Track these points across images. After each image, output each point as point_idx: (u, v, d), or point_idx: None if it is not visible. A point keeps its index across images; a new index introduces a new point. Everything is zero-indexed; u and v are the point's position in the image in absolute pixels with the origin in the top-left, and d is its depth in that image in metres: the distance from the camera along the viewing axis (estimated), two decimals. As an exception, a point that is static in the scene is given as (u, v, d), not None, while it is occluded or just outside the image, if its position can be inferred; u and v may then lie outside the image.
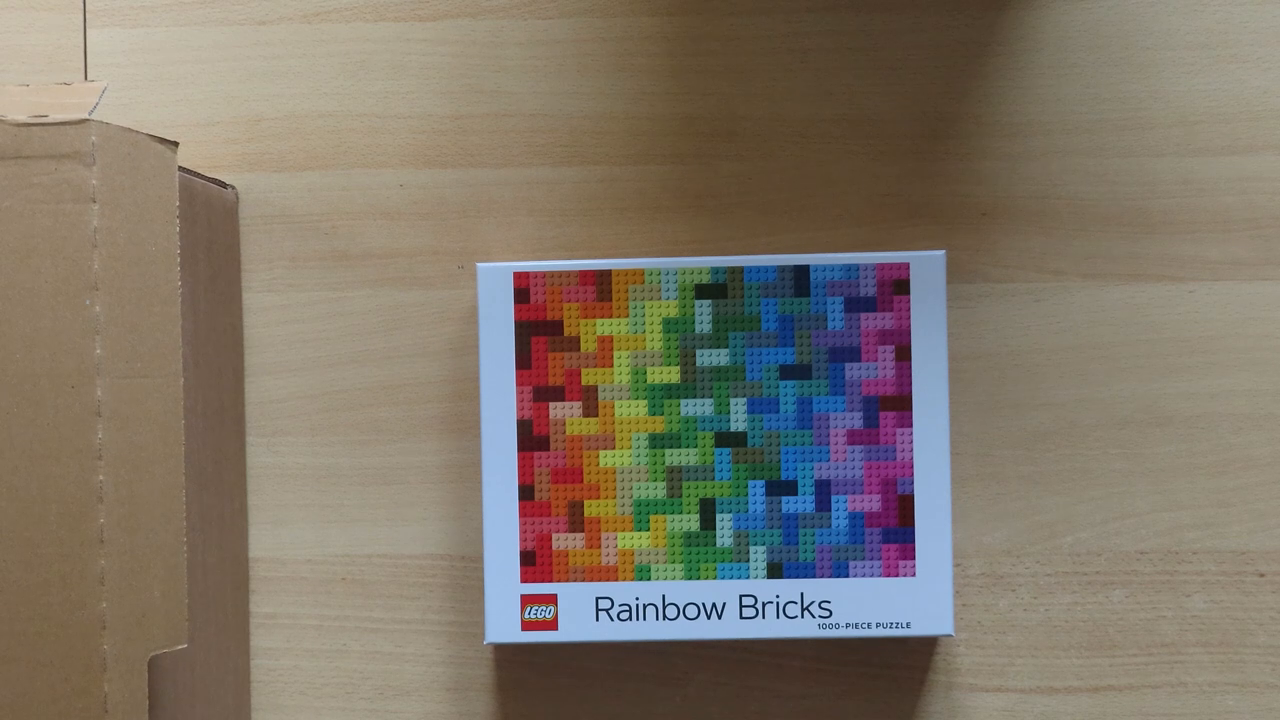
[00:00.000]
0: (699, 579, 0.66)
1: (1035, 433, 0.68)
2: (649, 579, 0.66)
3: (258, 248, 0.69)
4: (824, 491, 0.66)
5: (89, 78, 0.69)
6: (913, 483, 0.66)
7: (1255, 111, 0.68)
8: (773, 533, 0.66)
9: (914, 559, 0.66)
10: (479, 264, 0.66)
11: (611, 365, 0.66)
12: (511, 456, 0.66)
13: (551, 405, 0.66)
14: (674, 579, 0.66)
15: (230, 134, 0.69)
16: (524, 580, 0.66)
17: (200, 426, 0.64)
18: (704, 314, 0.66)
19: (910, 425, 0.66)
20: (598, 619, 0.66)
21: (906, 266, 0.66)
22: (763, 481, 0.66)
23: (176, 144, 0.56)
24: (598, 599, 0.66)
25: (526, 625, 0.66)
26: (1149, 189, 0.68)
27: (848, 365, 0.66)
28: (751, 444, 0.66)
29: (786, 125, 0.69)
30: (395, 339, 0.69)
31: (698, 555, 0.66)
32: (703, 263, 0.66)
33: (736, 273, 0.66)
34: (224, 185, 0.68)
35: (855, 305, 0.66)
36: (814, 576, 0.66)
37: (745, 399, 0.66)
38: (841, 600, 0.66)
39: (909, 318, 0.66)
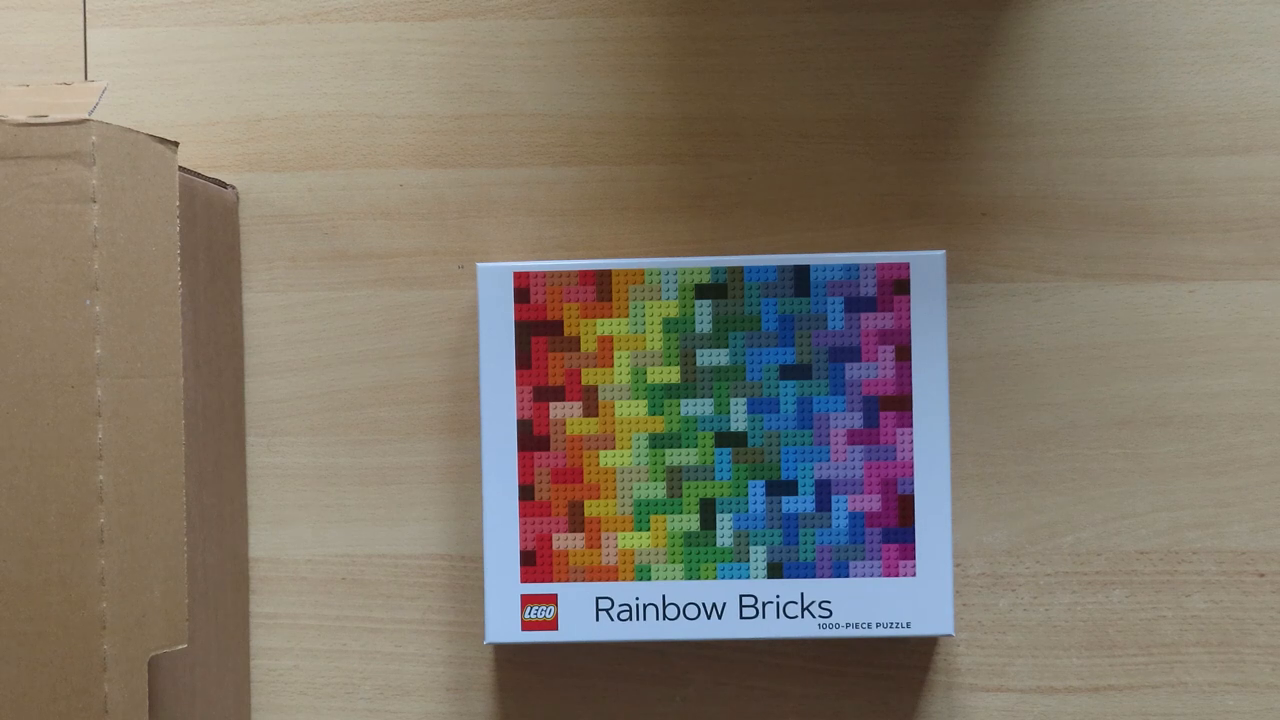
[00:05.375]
0: (699, 579, 0.66)
1: (1035, 433, 0.68)
2: (649, 579, 0.66)
3: (258, 248, 0.69)
4: (824, 491, 0.66)
5: (89, 78, 0.69)
6: (913, 483, 0.66)
7: (1255, 111, 0.68)
8: (773, 533, 0.66)
9: (914, 559, 0.66)
10: (479, 264, 0.66)
11: (611, 365, 0.66)
12: (511, 456, 0.66)
13: (551, 405, 0.66)
14: (674, 579, 0.66)
15: (230, 134, 0.69)
16: (524, 580, 0.66)
17: (200, 426, 0.64)
18: (704, 314, 0.66)
19: (910, 425, 0.66)
20: (598, 619, 0.66)
21: (906, 266, 0.66)
22: (763, 481, 0.66)
23: (176, 144, 0.56)
24: (598, 599, 0.66)
25: (526, 625, 0.66)
26: (1149, 189, 0.68)
27: (848, 365, 0.66)
28: (751, 444, 0.66)
29: (786, 125, 0.69)
30: (395, 339, 0.69)
31: (698, 555, 0.66)
32: (703, 263, 0.66)
33: (736, 273, 0.66)
34: (224, 185, 0.68)
35: (855, 305, 0.66)
36: (814, 576, 0.66)
37: (745, 399, 0.66)
38: (841, 600, 0.66)
39: (909, 318, 0.66)
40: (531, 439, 0.66)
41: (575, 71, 0.69)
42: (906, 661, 0.69)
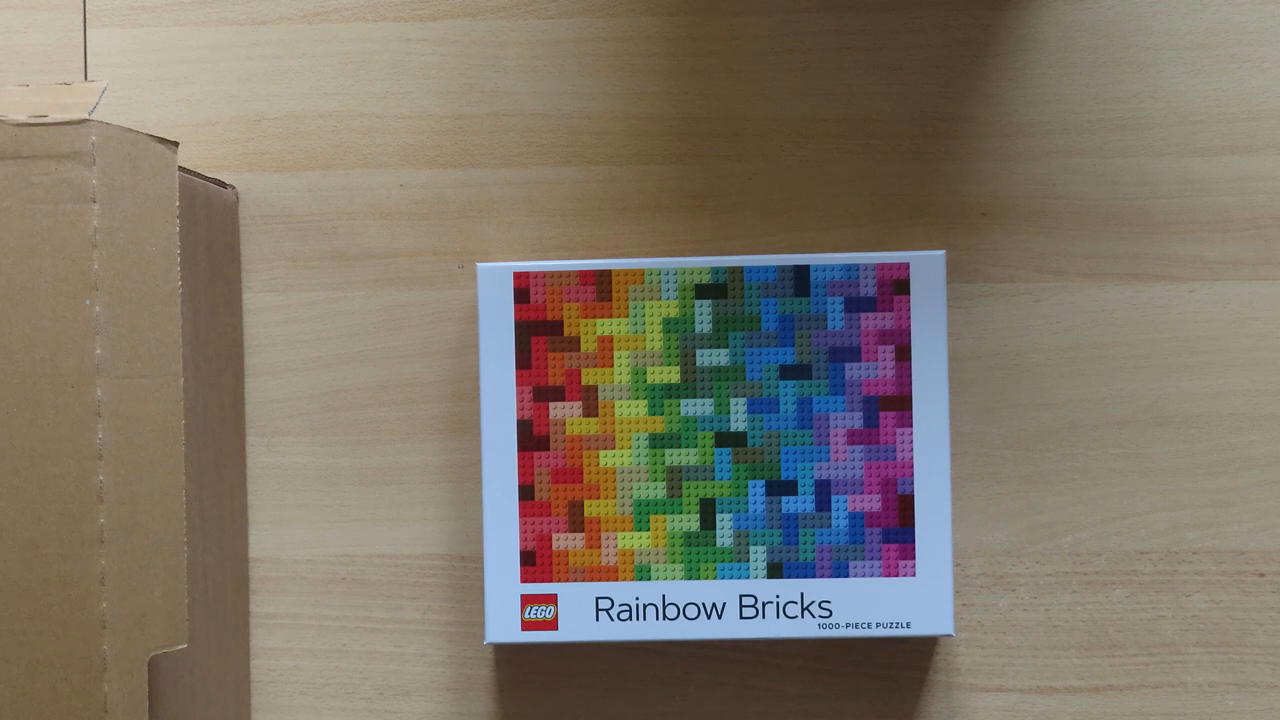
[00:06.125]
0: (699, 579, 0.66)
1: (1035, 433, 0.68)
2: (649, 579, 0.66)
3: (258, 248, 0.69)
4: (824, 491, 0.66)
5: (89, 78, 0.69)
6: (913, 483, 0.66)
7: (1255, 111, 0.68)
8: (773, 533, 0.66)
9: (914, 559, 0.66)
10: (479, 264, 0.66)
11: (611, 365, 0.66)
12: (511, 456, 0.66)
13: (551, 405, 0.66)
14: (674, 579, 0.66)
15: (230, 134, 0.69)
16: (524, 580, 0.66)
17: (200, 426, 0.64)
18: (704, 314, 0.66)
19: (910, 425, 0.66)
20: (598, 619, 0.66)
21: (906, 266, 0.66)
22: (763, 481, 0.66)
23: (176, 144, 0.56)
24: (598, 599, 0.66)
25: (526, 625, 0.66)
26: (1149, 189, 0.68)
27: (848, 365, 0.66)
28: (751, 444, 0.66)
29: (786, 125, 0.69)
30: (395, 339, 0.69)
31: (698, 555, 0.66)
32: (703, 263, 0.66)
33: (736, 273, 0.66)
34: (224, 185, 0.68)
35: (855, 305, 0.66)
36: (814, 576, 0.66)
37: (745, 399, 0.66)
38: (841, 600, 0.66)
39: (909, 318, 0.66)
40: (531, 439, 0.66)
41: (575, 71, 0.69)
42: (906, 661, 0.69)
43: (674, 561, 0.66)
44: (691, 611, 0.66)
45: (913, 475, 0.66)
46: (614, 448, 0.66)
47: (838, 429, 0.66)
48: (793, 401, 0.66)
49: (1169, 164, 0.68)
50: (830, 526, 0.66)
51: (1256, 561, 0.68)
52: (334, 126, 0.69)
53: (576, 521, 0.66)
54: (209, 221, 0.66)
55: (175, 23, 0.69)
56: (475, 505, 0.69)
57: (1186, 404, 0.68)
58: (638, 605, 0.66)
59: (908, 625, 0.65)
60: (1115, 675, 0.69)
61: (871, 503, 0.66)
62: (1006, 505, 0.69)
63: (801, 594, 0.66)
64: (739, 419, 0.66)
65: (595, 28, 0.69)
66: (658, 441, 0.66)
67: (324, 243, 0.69)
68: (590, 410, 0.66)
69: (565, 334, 0.66)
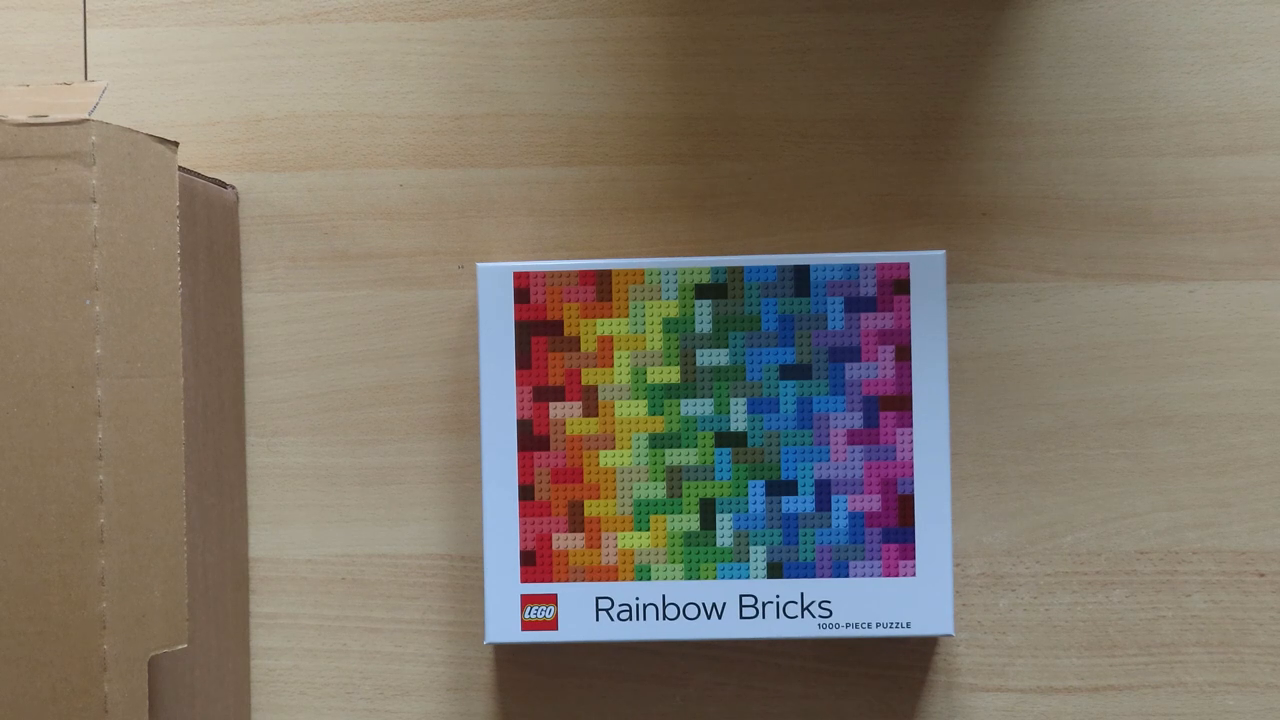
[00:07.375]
0: (699, 579, 0.66)
1: (1035, 433, 0.68)
2: (649, 579, 0.66)
3: (258, 248, 0.69)
4: (824, 491, 0.66)
5: (89, 78, 0.69)
6: (913, 483, 0.66)
7: (1255, 111, 0.68)
8: (773, 533, 0.66)
9: (914, 559, 0.66)
10: (479, 264, 0.66)
11: (611, 365, 0.66)
12: (511, 456, 0.66)
13: (551, 405, 0.66)
14: (674, 579, 0.66)
15: (230, 134, 0.69)
16: (524, 580, 0.66)
17: (200, 426, 0.64)
18: (704, 314, 0.66)
19: (910, 425, 0.66)
20: (598, 619, 0.66)
21: (906, 266, 0.66)
22: (763, 481, 0.66)
23: (176, 144, 0.56)
24: (598, 599, 0.66)
25: (526, 625, 0.66)
26: (1149, 189, 0.68)
27: (848, 365, 0.66)
28: (751, 444, 0.66)
29: (786, 125, 0.69)
30: (395, 339, 0.69)
31: (698, 555, 0.66)
32: (703, 263, 0.66)
33: (736, 273, 0.66)
34: (224, 185, 0.68)
35: (855, 305, 0.66)
36: (814, 576, 0.66)
37: (745, 399, 0.66)
38: (841, 600, 0.66)
39: (909, 318, 0.66)
40: (531, 439, 0.66)
41: (575, 71, 0.69)
42: (906, 661, 0.69)
43: (674, 561, 0.66)
44: (691, 611, 0.66)
45: (913, 475, 0.66)
46: (614, 448, 0.66)
47: (838, 429, 0.66)
48: (793, 401, 0.66)
49: (1169, 164, 0.68)
50: (830, 526, 0.66)
51: (1256, 561, 0.68)
52: (334, 126, 0.69)
53: (576, 521, 0.66)
54: (209, 221, 0.66)
55: (175, 23, 0.69)
56: (475, 505, 0.69)
57: (1186, 404, 0.68)
58: (638, 605, 0.66)
59: (908, 625, 0.65)
60: (1115, 675, 0.69)
61: (871, 503, 0.66)
62: (1006, 505, 0.69)
63: (801, 594, 0.66)
64: (739, 419, 0.66)
65: (595, 28, 0.69)
66: (658, 441, 0.66)
67: (324, 243, 0.69)
68: (590, 410, 0.66)
69: (565, 334, 0.66)
